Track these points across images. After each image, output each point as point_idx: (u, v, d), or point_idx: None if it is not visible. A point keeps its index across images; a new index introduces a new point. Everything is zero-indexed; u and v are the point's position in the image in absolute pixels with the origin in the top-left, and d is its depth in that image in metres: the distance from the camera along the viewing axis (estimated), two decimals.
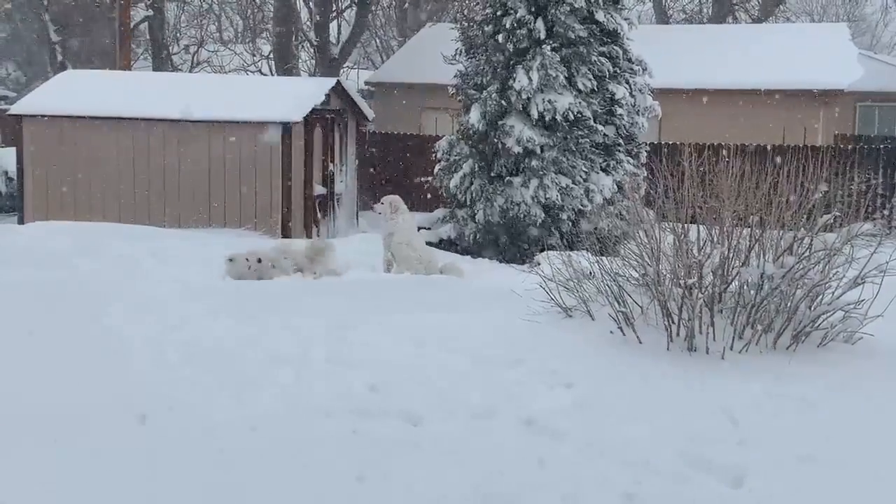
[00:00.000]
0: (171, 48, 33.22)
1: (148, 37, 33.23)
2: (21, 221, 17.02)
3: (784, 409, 6.09)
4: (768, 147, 19.11)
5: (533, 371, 6.75)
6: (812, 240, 7.46)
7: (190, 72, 32.77)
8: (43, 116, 17.20)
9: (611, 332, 7.46)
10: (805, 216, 7.57)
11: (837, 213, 7.72)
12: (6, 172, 21.30)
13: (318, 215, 17.93)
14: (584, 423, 5.82)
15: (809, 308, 7.29)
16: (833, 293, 7.34)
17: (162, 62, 31.42)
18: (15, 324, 7.77)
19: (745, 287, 7.35)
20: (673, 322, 7.27)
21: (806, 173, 7.74)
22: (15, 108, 17.87)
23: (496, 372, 6.77)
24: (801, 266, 7.27)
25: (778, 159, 8.14)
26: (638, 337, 7.31)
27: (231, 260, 11.43)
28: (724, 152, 8.06)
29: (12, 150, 18.53)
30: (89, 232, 14.34)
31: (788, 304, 7.27)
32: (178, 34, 35.62)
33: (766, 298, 7.26)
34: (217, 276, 11.36)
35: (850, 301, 7.26)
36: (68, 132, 17.06)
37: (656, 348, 7.18)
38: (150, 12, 30.26)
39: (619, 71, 17.19)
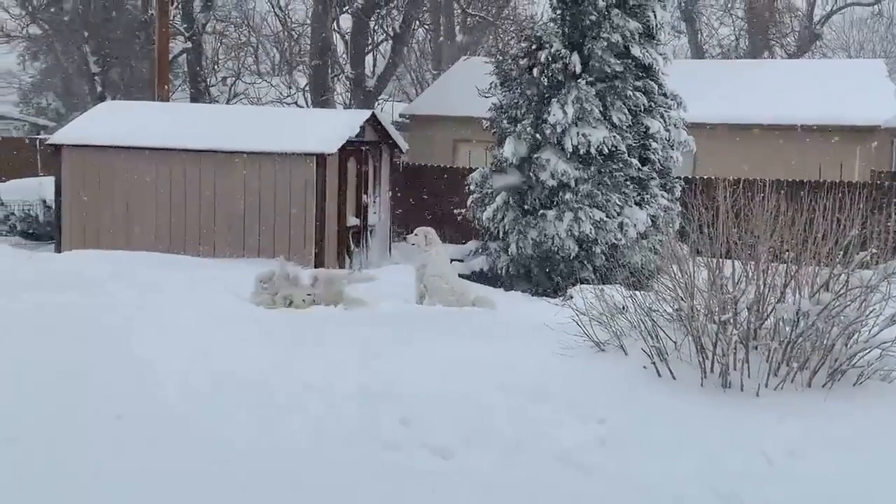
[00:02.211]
0: (208, 80, 33.54)
1: (186, 69, 33.61)
2: (58, 249, 17.18)
3: (820, 448, 6.01)
4: (804, 182, 18.99)
5: (565, 405, 6.71)
6: (849, 277, 7.39)
7: (227, 103, 33.07)
8: (81, 146, 17.38)
9: (644, 367, 7.40)
10: (841, 253, 7.51)
11: (874, 250, 7.65)
12: (45, 201, 21.52)
13: (352, 246, 17.98)
14: (616, 458, 5.77)
15: (846, 346, 7.20)
16: (870, 331, 7.26)
17: (199, 94, 31.72)
18: (46, 349, 7.82)
19: (781, 324, 7.28)
20: (707, 358, 7.21)
21: (842, 209, 7.68)
22: (54, 138, 18.08)
23: (528, 405, 6.73)
24: (838, 303, 7.20)
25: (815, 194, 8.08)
26: (672, 372, 7.25)
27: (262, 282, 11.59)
28: (760, 187, 7.99)
29: (51, 179, 18.73)
30: (124, 260, 14.45)
31: (824, 342, 7.19)
32: (215, 66, 35.96)
33: (802, 335, 7.19)
34: (248, 304, 11.40)
35: (887, 339, 7.17)
36: (106, 162, 17.23)
37: (690, 384, 7.11)
38: (189, 45, 30.62)
39: (653, 105, 17.17)
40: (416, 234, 12.95)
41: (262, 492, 5.24)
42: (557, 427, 6.30)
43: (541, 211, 16.25)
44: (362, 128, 17.88)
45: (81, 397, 6.71)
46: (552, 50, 16.37)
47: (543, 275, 16.48)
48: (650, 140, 17.03)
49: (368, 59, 33.33)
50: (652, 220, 16.61)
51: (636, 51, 16.71)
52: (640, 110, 16.84)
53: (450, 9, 37.28)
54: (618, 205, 16.21)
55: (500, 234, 16.75)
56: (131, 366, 7.51)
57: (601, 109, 16.29)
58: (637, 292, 8.21)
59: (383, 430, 6.21)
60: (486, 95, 17.70)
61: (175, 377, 7.24)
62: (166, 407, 6.62)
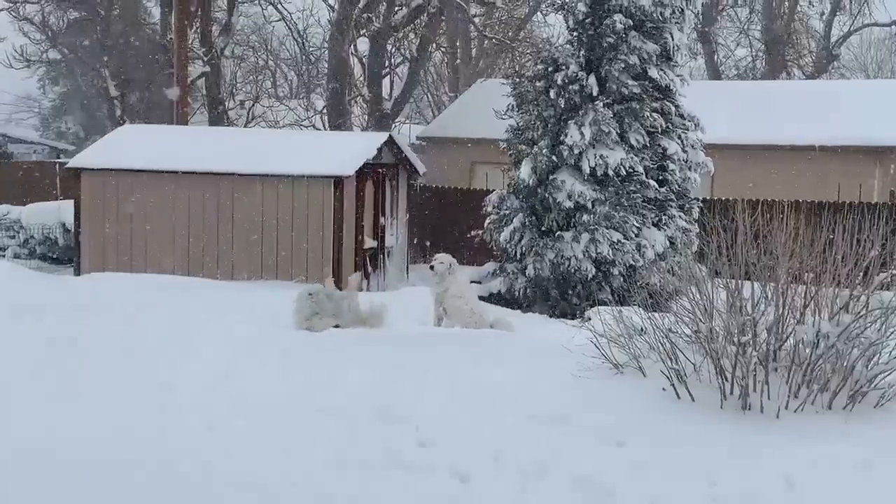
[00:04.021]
0: (226, 103, 33.67)
1: (204, 92, 33.77)
2: (77, 272, 17.25)
3: (841, 470, 5.97)
4: (823, 203, 18.92)
5: (584, 428, 6.68)
6: (869, 298, 7.34)
7: (245, 126, 33.21)
8: (100, 170, 17.46)
9: (663, 389, 7.37)
10: (861, 274, 7.47)
11: (894, 272, 7.60)
12: (63, 224, 21.63)
13: (369, 268, 17.98)
14: (637, 481, 5.74)
15: (866, 367, 7.16)
16: (890, 352, 7.21)
17: (218, 117, 31.84)
18: (67, 375, 7.85)
19: (801, 345, 7.24)
20: (726, 380, 7.17)
21: (862, 230, 7.65)
22: (73, 162, 18.17)
23: (547, 428, 6.71)
24: (858, 325, 7.15)
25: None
26: (691, 395, 7.21)
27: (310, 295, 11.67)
28: (779, 208, 7.97)
29: (70, 203, 18.83)
30: (143, 284, 14.53)
31: (844, 364, 7.15)
32: (233, 90, 36.14)
33: (822, 357, 7.14)
34: (268, 326, 11.41)
35: None
36: (125, 185, 17.30)
37: (710, 406, 7.08)
38: (207, 68, 30.75)
39: (671, 126, 17.15)
40: (442, 263, 12.90)
41: None
42: (577, 450, 6.27)
43: (558, 232, 16.24)
44: (379, 150, 17.92)
45: (106, 420, 6.73)
46: (569, 72, 16.38)
47: (561, 296, 16.44)
48: (668, 161, 17.01)
49: (385, 81, 33.44)
50: (670, 242, 16.57)
51: (653, 72, 16.72)
52: (658, 132, 16.83)
53: (466, 31, 37.41)
54: (635, 226, 16.18)
55: (518, 256, 16.73)
56: (152, 389, 7.53)
57: (618, 131, 16.30)
58: (655, 314, 8.18)
59: (401, 452, 6.20)
60: (503, 117, 17.71)
61: (196, 401, 7.25)
62: (187, 429, 6.63)
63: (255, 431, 6.62)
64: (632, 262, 16.10)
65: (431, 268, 13.05)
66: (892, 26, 43.03)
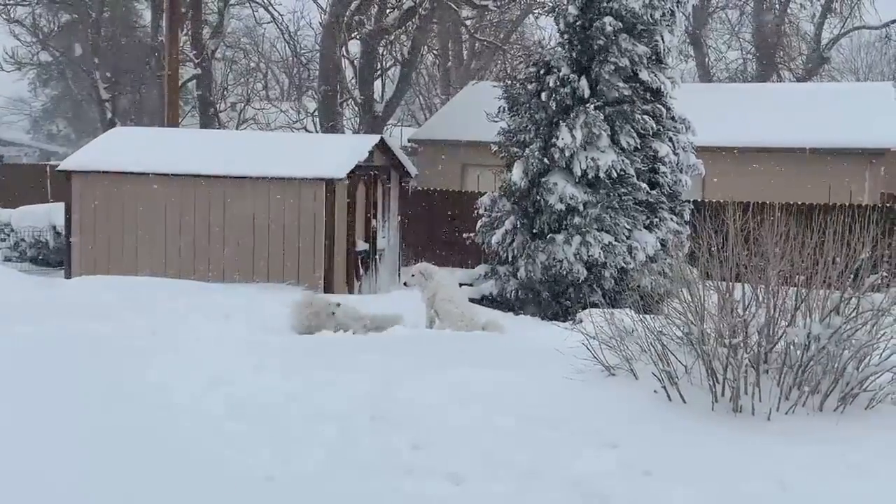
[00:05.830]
0: (218, 106, 33.69)
1: (195, 94, 33.79)
2: (68, 275, 17.21)
3: (833, 473, 5.98)
4: (814, 206, 18.97)
5: (577, 431, 6.68)
6: (859, 300, 7.36)
7: (236, 129, 33.20)
8: (91, 172, 17.44)
9: (654, 391, 7.38)
10: (852, 276, 7.48)
11: (885, 273, 7.62)
12: (54, 227, 21.60)
13: (361, 271, 17.98)
14: (630, 485, 5.74)
15: (857, 369, 7.18)
16: (881, 354, 7.23)
17: (209, 119, 31.86)
18: (61, 378, 7.83)
19: (792, 347, 7.26)
20: (718, 382, 7.19)
21: (852, 232, 7.66)
22: (64, 164, 18.15)
23: (540, 431, 6.71)
24: (849, 326, 7.17)
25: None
26: (682, 397, 7.22)
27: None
28: (770, 211, 7.98)
29: (61, 206, 18.81)
30: (135, 286, 14.49)
31: (835, 365, 7.16)
32: (225, 92, 36.15)
33: (813, 359, 7.16)
34: (262, 328, 11.41)
35: None
36: (116, 188, 17.29)
37: (701, 408, 7.09)
38: (198, 71, 30.77)
39: (662, 129, 17.18)
40: (413, 276, 13.04)
41: None
42: (570, 452, 6.27)
43: (549, 235, 16.24)
44: (371, 153, 17.93)
45: (95, 426, 6.71)
46: (560, 74, 16.40)
47: (552, 299, 16.45)
48: (659, 164, 17.05)
49: (377, 84, 33.47)
50: (661, 244, 16.59)
51: (644, 75, 16.75)
52: (649, 134, 16.86)
53: (458, 34, 37.46)
54: (626, 228, 16.20)
55: (509, 258, 16.75)
56: (146, 393, 7.51)
57: (609, 133, 16.31)
58: (647, 316, 8.19)
59: (396, 455, 6.20)
60: (495, 120, 17.73)
61: (190, 404, 7.24)
62: (181, 431, 6.62)
63: (253, 433, 6.61)
64: (623, 265, 16.12)
65: (405, 284, 13.20)
66: (883, 29, 43.18)
